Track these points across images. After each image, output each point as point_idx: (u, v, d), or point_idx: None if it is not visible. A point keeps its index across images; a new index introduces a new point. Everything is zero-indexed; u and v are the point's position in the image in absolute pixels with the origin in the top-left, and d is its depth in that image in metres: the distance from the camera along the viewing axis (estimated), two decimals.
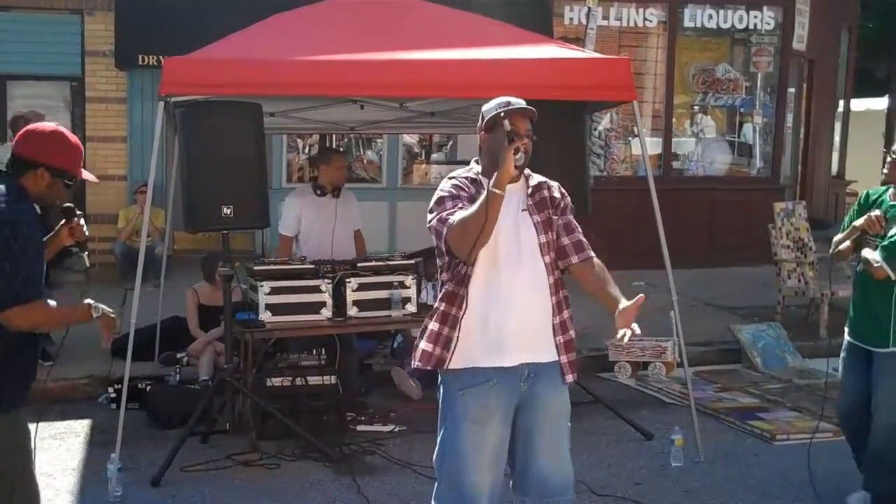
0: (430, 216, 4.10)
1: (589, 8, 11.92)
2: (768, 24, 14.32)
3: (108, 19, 12.52)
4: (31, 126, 3.91)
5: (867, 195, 5.47)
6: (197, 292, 8.37)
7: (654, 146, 13.81)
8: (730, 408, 7.67)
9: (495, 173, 3.87)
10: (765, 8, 14.26)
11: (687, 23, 14.05)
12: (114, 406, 7.18)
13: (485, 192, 3.84)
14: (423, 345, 4.14)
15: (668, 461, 6.38)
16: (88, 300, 3.94)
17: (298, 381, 6.94)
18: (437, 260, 4.20)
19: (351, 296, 6.85)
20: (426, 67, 6.48)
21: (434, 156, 15.12)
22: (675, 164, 14.27)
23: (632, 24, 13.84)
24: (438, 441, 4.21)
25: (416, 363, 4.21)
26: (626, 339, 3.87)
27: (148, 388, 7.41)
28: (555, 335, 4.09)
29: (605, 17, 13.59)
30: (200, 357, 7.90)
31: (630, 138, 13.93)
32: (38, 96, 13.15)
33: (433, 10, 7.41)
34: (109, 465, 5.77)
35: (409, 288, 6.99)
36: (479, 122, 4.21)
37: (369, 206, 8.12)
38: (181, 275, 9.53)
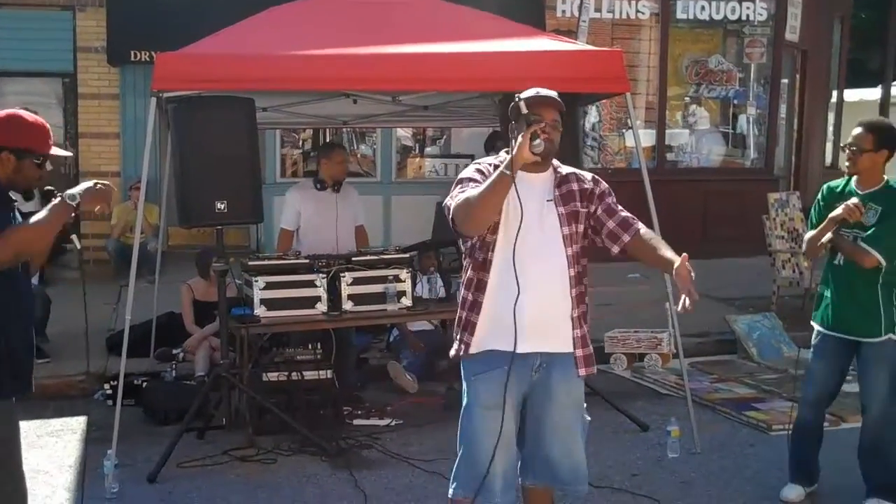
0: (451, 194, 4.12)
1: (581, 0, 11.92)
2: (761, 14, 14.32)
3: (99, 15, 12.49)
4: None
5: (829, 188, 5.46)
6: (192, 288, 8.36)
7: (647, 138, 13.82)
8: (725, 398, 7.68)
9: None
10: None
11: (679, 14, 14.04)
12: (110, 402, 7.18)
13: (496, 171, 3.88)
14: (456, 332, 4.24)
15: (665, 452, 6.39)
16: (60, 194, 3.83)
17: (294, 375, 6.94)
18: (462, 245, 4.29)
19: (346, 290, 6.85)
20: (419, 61, 6.47)
21: (428, 149, 15.09)
22: (669, 156, 14.28)
23: (624, 16, 13.83)
24: (459, 423, 4.27)
25: (453, 351, 4.28)
26: (687, 306, 3.92)
27: (144, 384, 7.40)
28: (573, 328, 4.13)
29: (598, 10, 13.59)
30: (196, 353, 7.89)
31: (624, 130, 13.93)
32: (30, 93, 13.10)
33: (425, 3, 7.40)
34: (106, 461, 5.77)
35: (403, 282, 7.00)
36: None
37: (363, 200, 8.11)
38: (176, 270, 9.53)
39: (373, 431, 6.89)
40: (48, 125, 3.97)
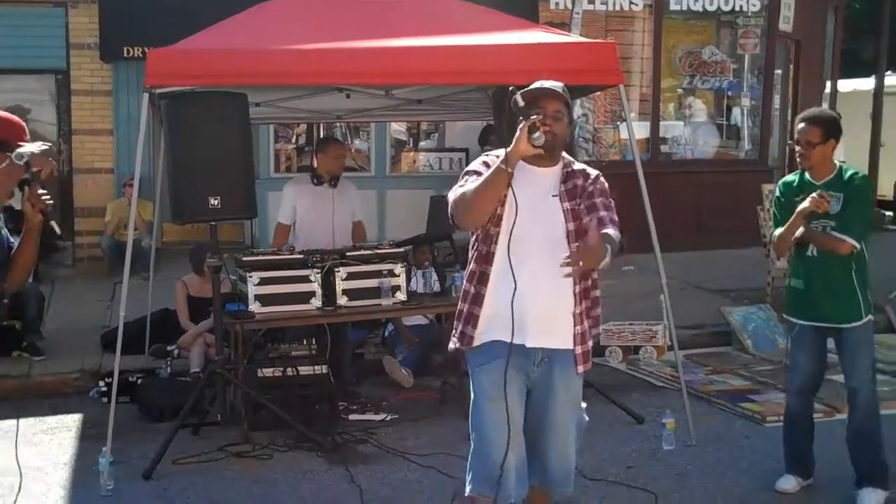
0: (455, 187, 4.14)
1: None
2: (754, 5, 14.30)
3: (92, 11, 12.43)
4: None
5: (786, 184, 5.53)
6: (186, 284, 8.35)
7: (641, 130, 13.80)
8: (721, 390, 7.68)
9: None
10: None
11: (673, 6, 14.00)
12: (105, 400, 7.17)
13: (494, 165, 3.90)
14: (455, 325, 4.24)
15: (660, 445, 6.40)
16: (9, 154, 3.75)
17: (289, 371, 6.93)
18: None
19: (340, 285, 6.84)
20: (412, 54, 6.46)
21: (422, 143, 15.09)
22: (663, 148, 14.26)
23: (618, 7, 13.80)
24: (469, 414, 4.28)
25: (451, 345, 4.29)
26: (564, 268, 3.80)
27: (139, 381, 7.40)
28: (575, 324, 4.12)
29: (591, 2, 13.54)
30: (191, 349, 7.89)
31: (618, 123, 13.92)
32: (22, 90, 13.09)
33: None
34: (101, 458, 5.76)
35: (398, 276, 6.98)
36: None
37: (359, 194, 8.10)
38: (170, 267, 9.52)
39: (368, 426, 6.88)
40: (23, 123, 3.93)
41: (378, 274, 6.96)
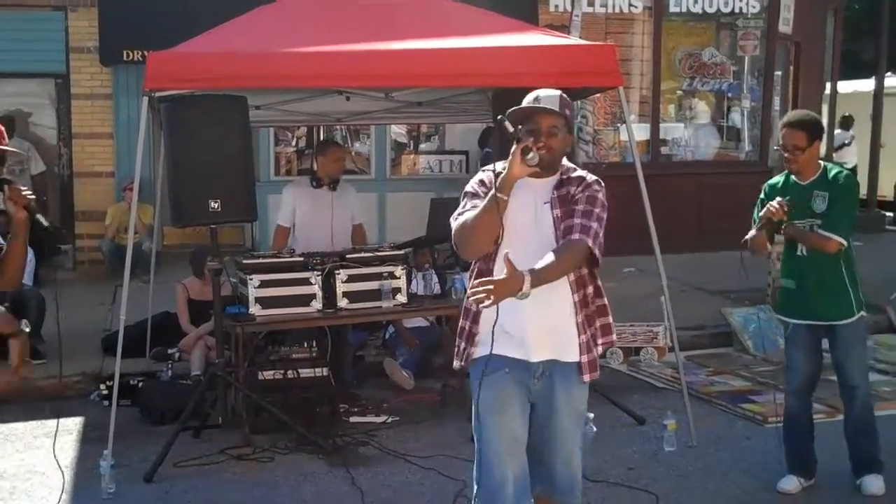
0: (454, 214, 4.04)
1: None
2: (754, 7, 14.30)
3: (91, 15, 12.43)
4: None
5: (771, 186, 5.64)
6: (186, 287, 8.35)
7: (642, 132, 13.80)
8: (722, 391, 7.69)
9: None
10: None
11: (672, 8, 14.01)
12: (106, 403, 7.16)
13: (489, 193, 3.80)
14: (458, 342, 4.15)
15: (661, 446, 6.40)
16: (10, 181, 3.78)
17: (290, 373, 6.94)
18: None
19: (341, 287, 6.84)
20: (411, 57, 6.47)
21: (422, 146, 15.06)
22: (664, 150, 14.25)
23: (617, 10, 13.80)
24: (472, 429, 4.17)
25: (456, 363, 4.19)
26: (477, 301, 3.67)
27: (140, 384, 7.40)
28: (579, 333, 3.99)
29: (591, 4, 13.56)
30: (192, 352, 7.89)
31: (618, 125, 13.91)
32: (23, 94, 13.09)
33: None
34: (102, 461, 5.77)
35: (398, 278, 6.98)
36: None
37: (359, 197, 8.11)
38: (170, 270, 9.51)
39: (369, 428, 6.89)
40: (1, 127, 3.94)
41: (378, 276, 6.95)
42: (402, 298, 7.00)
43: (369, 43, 6.47)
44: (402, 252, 7.26)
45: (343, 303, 6.86)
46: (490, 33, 6.82)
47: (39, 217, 3.90)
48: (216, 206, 6.30)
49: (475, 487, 4.14)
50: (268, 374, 6.92)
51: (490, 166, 4.03)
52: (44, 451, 6.56)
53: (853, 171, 17.13)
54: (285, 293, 6.74)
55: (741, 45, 14.51)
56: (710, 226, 13.31)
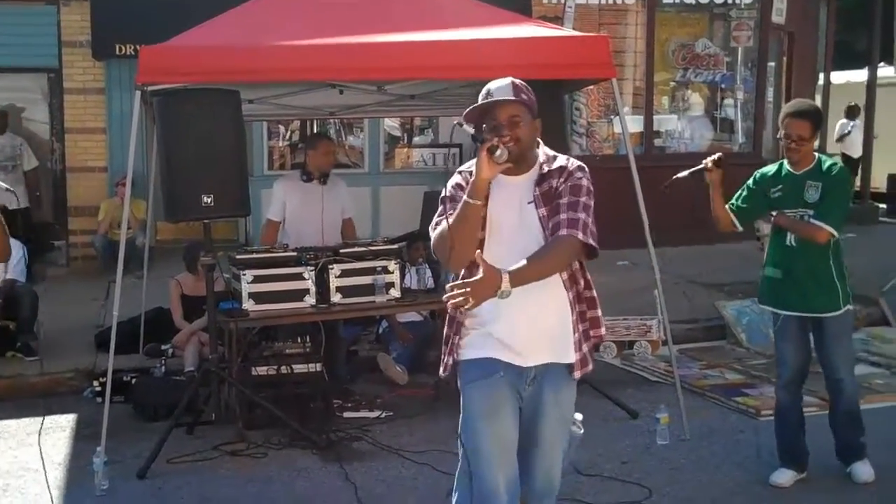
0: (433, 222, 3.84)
1: None
2: None
3: (83, 9, 12.39)
4: None
5: (763, 174, 5.69)
6: (180, 283, 8.33)
7: (635, 124, 13.80)
8: (715, 385, 7.69)
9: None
10: None
11: None
12: (99, 399, 7.15)
13: (461, 200, 3.60)
14: (444, 350, 3.94)
15: (654, 439, 6.40)
16: None
17: (284, 369, 6.93)
18: None
19: (334, 282, 6.83)
20: (404, 49, 6.45)
21: (416, 139, 15.07)
22: (657, 142, 14.26)
23: (610, 1, 13.79)
24: (458, 437, 3.94)
25: (441, 372, 3.99)
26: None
27: (133, 380, 7.38)
28: (573, 332, 3.82)
29: None
30: (185, 348, 7.86)
31: (612, 117, 13.91)
32: (15, 89, 13.06)
33: None
34: (95, 458, 5.75)
35: (392, 273, 6.98)
36: None
37: (351, 191, 8.10)
38: (164, 265, 9.51)
39: (363, 424, 6.88)
40: None
41: (372, 271, 6.94)
42: (395, 293, 7.00)
43: (362, 36, 6.45)
44: (395, 246, 7.25)
45: (337, 298, 6.85)
46: (483, 25, 6.81)
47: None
48: (209, 200, 6.28)
49: (455, 494, 3.98)
50: (261, 370, 6.92)
51: (464, 166, 3.86)
52: (36, 447, 6.53)
53: (858, 161, 17.18)
54: (279, 288, 6.74)
55: (734, 36, 14.52)
56: (703, 218, 13.29)
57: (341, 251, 7.03)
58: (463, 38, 6.56)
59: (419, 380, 7.87)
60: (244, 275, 6.66)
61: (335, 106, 8.69)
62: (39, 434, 5.87)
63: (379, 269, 6.96)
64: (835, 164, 5.49)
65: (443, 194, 3.82)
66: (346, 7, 6.86)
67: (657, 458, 6.18)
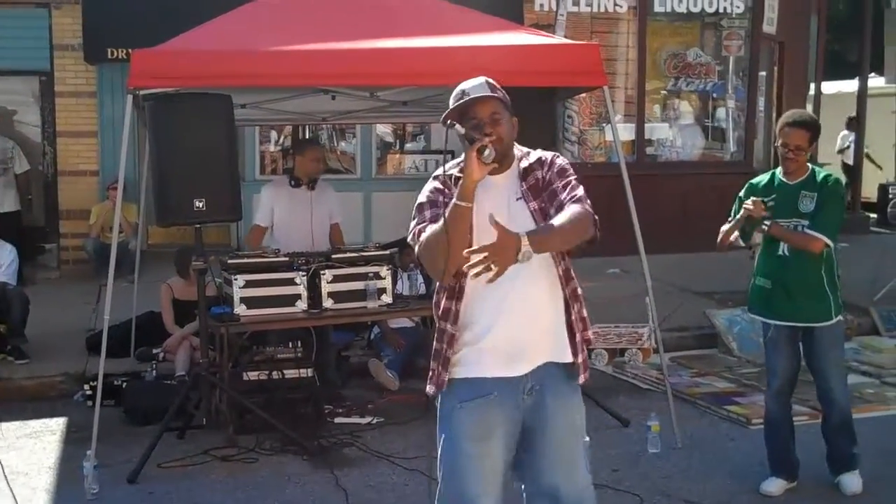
0: (410, 224, 3.67)
1: None
2: (738, 7, 14.34)
3: (75, 12, 12.37)
4: None
5: (752, 185, 5.66)
6: (171, 287, 8.31)
7: (627, 132, 13.83)
8: (706, 393, 7.69)
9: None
10: None
11: (657, 8, 14.04)
12: (90, 403, 7.13)
13: (450, 204, 3.44)
14: (433, 366, 3.70)
15: (645, 448, 6.39)
16: None
17: (275, 374, 6.93)
18: None
19: (326, 287, 6.83)
20: (396, 56, 6.45)
21: (408, 145, 15.06)
22: (649, 150, 14.28)
23: (602, 9, 13.83)
24: (438, 456, 3.71)
25: (429, 389, 3.73)
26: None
27: (124, 384, 7.37)
28: (574, 332, 3.67)
29: (576, 3, 13.60)
30: (176, 352, 7.85)
31: (603, 125, 13.93)
32: (6, 92, 13.05)
33: None
34: (85, 462, 5.74)
35: (384, 279, 6.97)
36: None
37: (343, 197, 8.11)
38: (155, 270, 9.49)
39: (354, 429, 6.87)
40: None
41: (364, 276, 6.94)
42: (387, 299, 6.99)
43: (355, 42, 6.45)
44: (387, 252, 7.25)
45: (328, 303, 6.84)
46: (475, 32, 6.82)
47: None
48: (201, 205, 6.28)
49: None
50: (252, 375, 6.91)
51: (439, 171, 3.76)
52: (26, 451, 6.53)
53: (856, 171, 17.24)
54: (270, 293, 6.72)
55: (726, 46, 14.55)
56: (695, 226, 13.31)
57: (333, 256, 7.02)
58: (455, 44, 6.57)
59: (410, 386, 7.86)
60: (236, 279, 6.65)
61: (327, 111, 8.69)
62: (29, 438, 5.84)
63: (371, 274, 6.95)
64: (829, 175, 5.48)
65: (420, 200, 3.71)
66: (338, 13, 6.86)
67: (648, 466, 6.18)
